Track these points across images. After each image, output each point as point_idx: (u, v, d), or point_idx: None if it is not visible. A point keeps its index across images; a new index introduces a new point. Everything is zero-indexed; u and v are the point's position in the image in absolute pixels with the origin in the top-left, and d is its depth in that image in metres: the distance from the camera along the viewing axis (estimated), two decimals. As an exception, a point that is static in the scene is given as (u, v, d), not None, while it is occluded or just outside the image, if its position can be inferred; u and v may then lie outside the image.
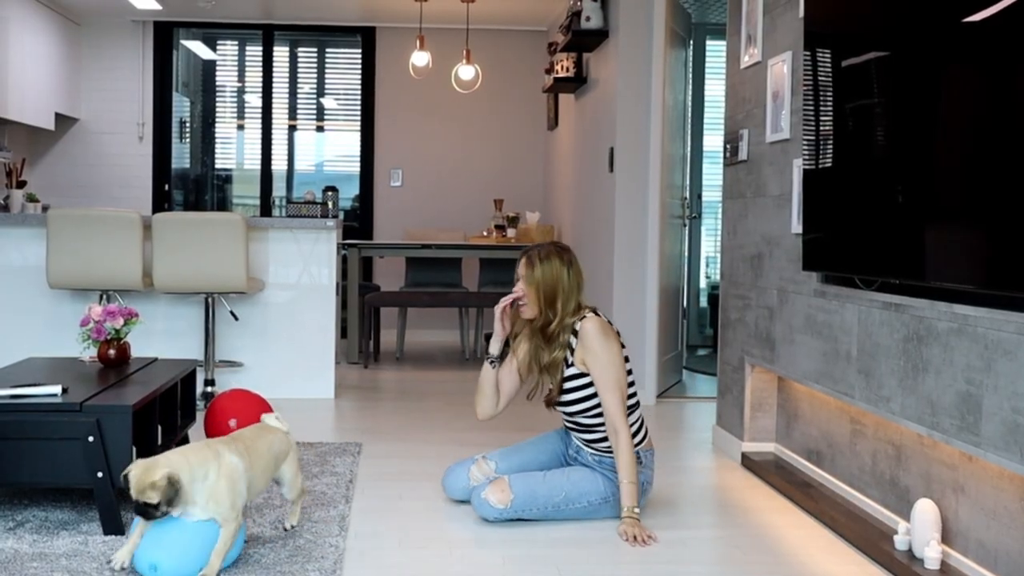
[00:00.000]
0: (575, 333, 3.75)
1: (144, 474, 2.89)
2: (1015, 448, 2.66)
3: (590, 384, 3.73)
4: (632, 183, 6.28)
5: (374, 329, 8.07)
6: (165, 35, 9.44)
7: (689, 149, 7.44)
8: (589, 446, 3.85)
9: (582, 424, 3.82)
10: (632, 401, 3.81)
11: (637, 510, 3.60)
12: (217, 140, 9.86)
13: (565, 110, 8.42)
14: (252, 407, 4.52)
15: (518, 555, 3.37)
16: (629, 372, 3.79)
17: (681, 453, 5.03)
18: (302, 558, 3.20)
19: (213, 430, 4.43)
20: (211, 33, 9.76)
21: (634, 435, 3.73)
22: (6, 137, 8.33)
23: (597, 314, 3.80)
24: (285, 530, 3.47)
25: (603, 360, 3.68)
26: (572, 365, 3.76)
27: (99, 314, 4.18)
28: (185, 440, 4.52)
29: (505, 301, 3.86)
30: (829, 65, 3.78)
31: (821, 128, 3.81)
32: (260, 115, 9.67)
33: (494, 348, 3.96)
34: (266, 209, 9.62)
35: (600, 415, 3.74)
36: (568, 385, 3.78)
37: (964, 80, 2.95)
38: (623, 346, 3.80)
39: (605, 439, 3.76)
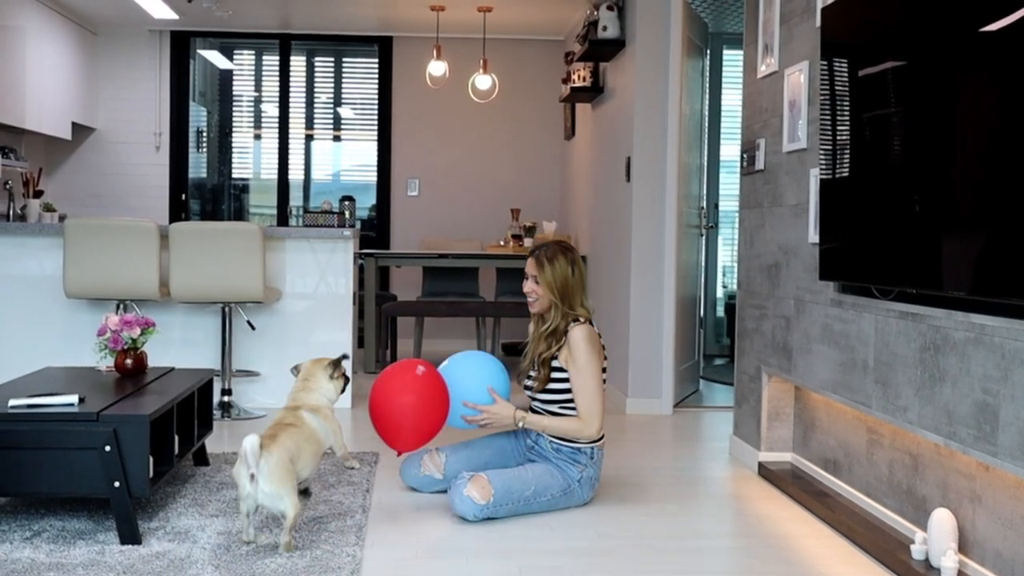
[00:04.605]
0: (565, 332, 4.00)
1: None
2: (1034, 459, 2.65)
3: (568, 379, 4.01)
4: (649, 192, 6.27)
5: (391, 338, 8.08)
6: (182, 45, 9.49)
7: (706, 158, 7.41)
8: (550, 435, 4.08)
9: (552, 413, 4.06)
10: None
11: (520, 424, 3.99)
12: (234, 150, 9.90)
13: (582, 119, 8.42)
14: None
15: (536, 565, 3.36)
16: (603, 380, 4.09)
17: (698, 463, 5.02)
18: (319, 568, 3.20)
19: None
20: (228, 43, 9.81)
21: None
22: (23, 146, 8.38)
23: (591, 323, 4.05)
24: None
25: (584, 372, 3.96)
26: (556, 359, 4.02)
27: (116, 324, 4.19)
28: (202, 450, 4.54)
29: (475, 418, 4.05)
30: (846, 75, 3.77)
31: (838, 138, 3.80)
32: (277, 125, 9.70)
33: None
34: (283, 219, 9.64)
35: (571, 408, 4.01)
36: (552, 376, 4.03)
37: (981, 89, 2.94)
38: (605, 357, 4.10)
39: None
